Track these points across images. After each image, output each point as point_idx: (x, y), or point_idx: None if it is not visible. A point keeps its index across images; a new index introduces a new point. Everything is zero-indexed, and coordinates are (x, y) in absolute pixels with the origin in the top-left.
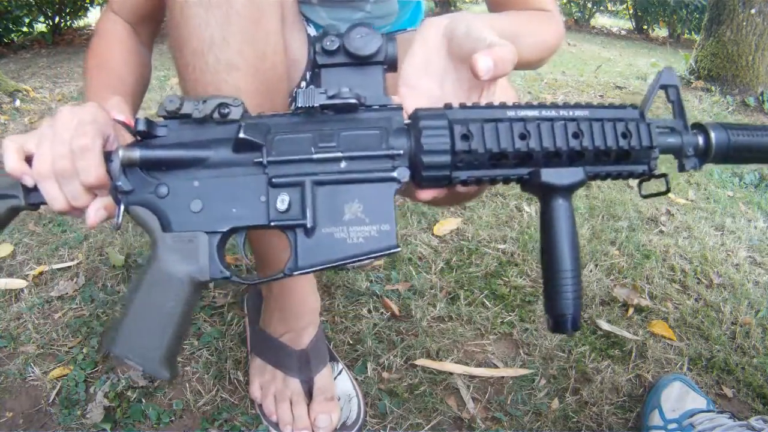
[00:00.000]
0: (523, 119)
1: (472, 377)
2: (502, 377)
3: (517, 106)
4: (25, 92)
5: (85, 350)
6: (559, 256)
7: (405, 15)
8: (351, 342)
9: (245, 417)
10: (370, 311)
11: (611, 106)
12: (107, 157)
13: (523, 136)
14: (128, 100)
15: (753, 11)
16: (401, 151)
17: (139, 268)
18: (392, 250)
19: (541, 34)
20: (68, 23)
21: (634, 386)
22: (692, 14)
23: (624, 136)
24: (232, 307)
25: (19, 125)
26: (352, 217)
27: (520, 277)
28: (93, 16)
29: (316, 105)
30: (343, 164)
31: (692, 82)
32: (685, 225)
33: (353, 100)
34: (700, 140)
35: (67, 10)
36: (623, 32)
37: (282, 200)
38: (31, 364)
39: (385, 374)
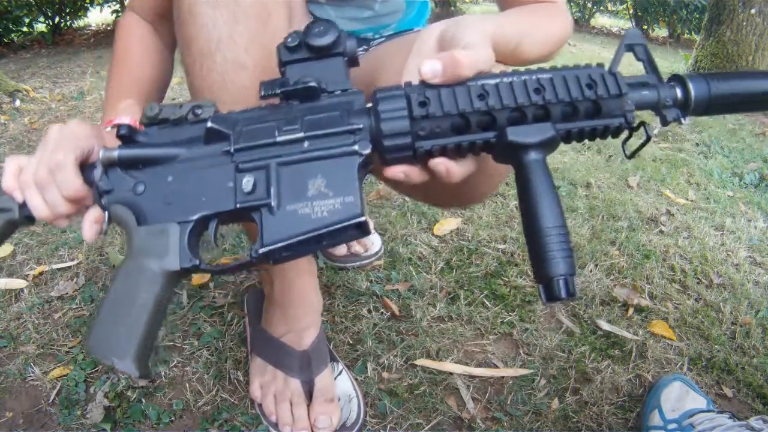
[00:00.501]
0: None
1: (472, 377)
2: (502, 377)
3: (476, 77)
4: (25, 92)
5: (85, 350)
6: (540, 213)
7: (411, 13)
8: (351, 342)
9: (245, 417)
10: (370, 311)
11: (576, 67)
12: (90, 168)
13: (481, 96)
14: (142, 101)
15: (753, 11)
16: (361, 126)
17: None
18: (357, 219)
19: (548, 27)
20: (68, 23)
21: (634, 386)
22: (692, 14)
23: (589, 86)
24: (232, 307)
25: (19, 125)
26: (316, 192)
27: (520, 277)
28: (93, 16)
29: (278, 92)
30: (306, 144)
31: None
32: (685, 225)
33: (313, 83)
34: (678, 92)
35: (67, 10)
36: (623, 32)
37: (247, 181)
38: (31, 364)
39: (385, 374)
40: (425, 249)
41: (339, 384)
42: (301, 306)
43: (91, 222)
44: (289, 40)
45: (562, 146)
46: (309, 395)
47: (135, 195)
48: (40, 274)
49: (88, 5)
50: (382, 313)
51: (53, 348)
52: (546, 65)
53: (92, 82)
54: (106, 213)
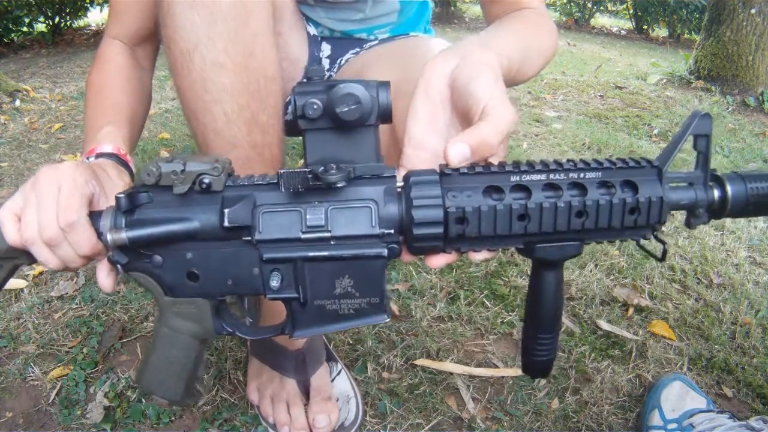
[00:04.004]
0: (525, 190)
1: (472, 377)
2: (502, 377)
3: (521, 170)
4: (25, 92)
5: (85, 350)
6: (542, 324)
7: (409, 14)
8: (351, 342)
9: (245, 417)
10: None
11: (628, 166)
12: (96, 217)
13: (522, 217)
14: (124, 128)
15: (753, 11)
16: (392, 231)
17: (155, 322)
18: (381, 321)
19: (542, 44)
20: (68, 23)
21: (634, 386)
22: (692, 14)
23: (632, 212)
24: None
25: (19, 125)
26: (342, 291)
27: (520, 277)
28: (93, 16)
29: (300, 190)
30: (332, 242)
31: (692, 82)
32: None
33: (341, 183)
34: (716, 195)
35: (67, 10)
36: (623, 32)
37: (275, 278)
38: (31, 364)
39: (385, 374)
40: None
41: (338, 384)
42: None
43: (106, 273)
44: (311, 112)
45: (562, 146)
46: (306, 395)
47: (154, 266)
48: (40, 274)
49: (88, 5)
50: None
51: (53, 348)
52: (599, 157)
53: (85, 83)
54: (123, 272)
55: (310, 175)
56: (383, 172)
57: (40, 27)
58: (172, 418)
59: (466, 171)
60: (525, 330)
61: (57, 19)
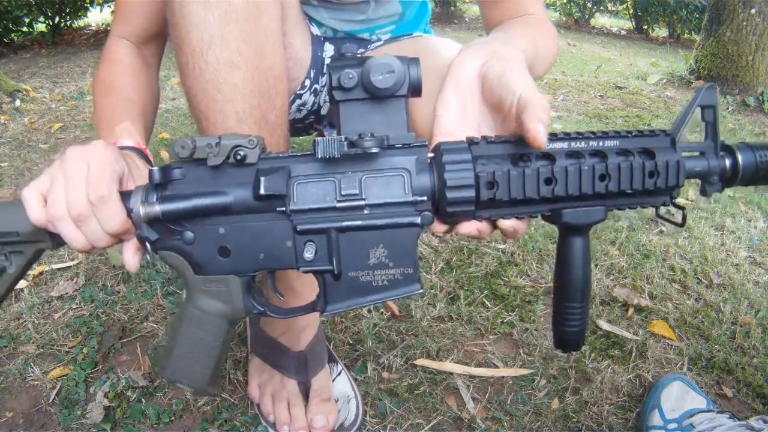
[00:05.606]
0: (550, 158)
1: (472, 377)
2: (502, 377)
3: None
4: (25, 92)
5: (85, 350)
6: (571, 293)
7: (409, 15)
8: (351, 342)
9: (245, 417)
10: (370, 311)
11: (642, 135)
12: (126, 196)
13: (549, 181)
14: (138, 123)
15: (753, 11)
16: (424, 198)
17: (180, 305)
18: (415, 292)
19: (549, 48)
20: (68, 23)
21: (634, 386)
22: (692, 14)
23: (651, 175)
24: None
25: (19, 125)
26: (377, 261)
27: (520, 277)
28: (93, 16)
29: (336, 156)
30: (366, 211)
31: (692, 82)
32: (685, 225)
33: (375, 149)
34: (727, 163)
35: (67, 10)
36: (623, 32)
37: (309, 249)
38: (31, 364)
39: (385, 374)
40: (425, 249)
41: (338, 385)
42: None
43: (133, 252)
44: (346, 81)
45: None
46: (306, 396)
47: (184, 243)
48: (40, 274)
49: (88, 5)
50: (382, 312)
51: (53, 348)
52: (617, 129)
53: (92, 82)
54: (153, 252)
55: (346, 142)
56: (414, 142)
57: (40, 27)
58: (172, 418)
59: (493, 140)
60: (555, 302)
61: (57, 19)
